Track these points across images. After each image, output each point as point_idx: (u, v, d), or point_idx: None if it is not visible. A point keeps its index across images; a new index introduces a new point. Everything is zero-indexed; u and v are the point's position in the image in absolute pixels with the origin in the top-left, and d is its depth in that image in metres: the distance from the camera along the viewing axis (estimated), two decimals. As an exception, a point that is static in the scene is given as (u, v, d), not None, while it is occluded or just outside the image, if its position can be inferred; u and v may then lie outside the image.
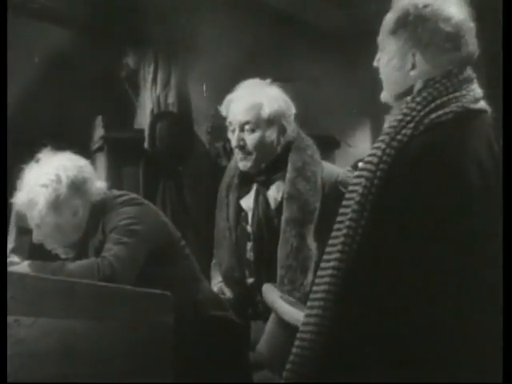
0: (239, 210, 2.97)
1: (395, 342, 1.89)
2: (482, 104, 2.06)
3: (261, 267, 2.89)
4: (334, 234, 2.03)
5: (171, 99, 4.97)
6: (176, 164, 4.93)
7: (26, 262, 2.54)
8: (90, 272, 2.48)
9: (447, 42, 2.04)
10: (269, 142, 2.91)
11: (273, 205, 2.91)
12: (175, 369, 2.30)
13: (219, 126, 5.04)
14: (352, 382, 1.92)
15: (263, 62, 4.77)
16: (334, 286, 1.96)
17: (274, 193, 2.92)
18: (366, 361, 1.91)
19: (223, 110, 2.98)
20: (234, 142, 2.95)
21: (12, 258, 2.60)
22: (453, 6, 2.07)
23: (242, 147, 2.91)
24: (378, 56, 2.16)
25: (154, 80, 4.98)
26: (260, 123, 2.89)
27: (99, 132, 4.79)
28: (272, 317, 2.69)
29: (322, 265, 2.02)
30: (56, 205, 2.67)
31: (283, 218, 2.84)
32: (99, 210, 2.72)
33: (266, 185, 2.94)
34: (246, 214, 2.95)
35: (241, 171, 2.99)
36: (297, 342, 2.02)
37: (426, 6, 2.06)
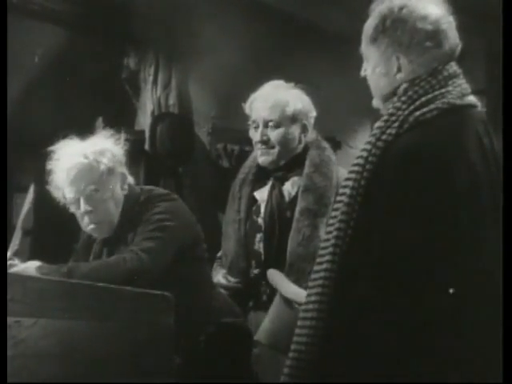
0: (252, 202, 3.03)
1: (393, 341, 1.88)
2: (470, 99, 2.06)
3: (269, 257, 2.92)
4: (325, 236, 2.04)
5: (172, 100, 4.98)
6: (176, 165, 4.93)
7: (34, 266, 2.48)
8: (115, 267, 2.47)
9: (428, 40, 2.04)
10: (291, 139, 2.99)
11: (287, 198, 2.97)
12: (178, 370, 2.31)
13: (220, 128, 5.06)
14: (350, 382, 1.92)
15: (263, 63, 4.77)
16: (327, 290, 1.97)
17: (289, 187, 2.99)
18: (364, 361, 1.91)
19: (247, 108, 3.05)
20: (257, 138, 3.01)
21: (12, 261, 2.58)
22: (428, 3, 2.07)
23: (265, 142, 2.99)
24: (363, 66, 2.16)
25: (155, 81, 4.98)
26: (284, 120, 2.98)
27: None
28: (276, 300, 2.75)
29: (313, 275, 2.03)
30: (113, 172, 2.72)
31: (297, 208, 2.90)
32: (135, 199, 2.74)
33: (281, 180, 3.01)
34: (259, 207, 3.00)
35: (257, 169, 3.06)
36: (293, 346, 2.02)
37: (401, 8, 2.06)
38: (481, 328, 1.88)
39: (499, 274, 1.88)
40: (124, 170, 2.78)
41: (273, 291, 2.85)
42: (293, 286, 2.73)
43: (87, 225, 2.73)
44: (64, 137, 2.77)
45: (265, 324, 2.75)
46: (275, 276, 2.83)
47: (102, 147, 2.73)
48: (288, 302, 2.69)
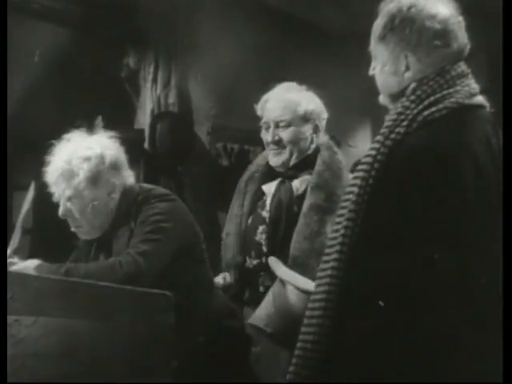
0: (258, 197, 3.03)
1: (395, 341, 1.88)
2: (479, 99, 2.06)
3: (272, 249, 2.92)
4: (332, 235, 2.03)
5: (171, 99, 4.98)
6: (176, 164, 4.92)
7: (33, 265, 2.46)
8: (111, 271, 2.44)
9: (436, 40, 2.04)
10: (303, 138, 3.01)
11: (295, 193, 2.98)
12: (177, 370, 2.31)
13: (219, 126, 5.06)
14: (354, 382, 1.92)
15: (263, 62, 4.77)
16: (333, 288, 1.98)
17: (298, 184, 2.99)
18: (367, 361, 1.91)
19: (258, 109, 3.06)
20: (268, 138, 3.02)
21: (12, 259, 2.58)
22: (437, 2, 2.07)
23: (277, 142, 3.00)
24: (372, 65, 2.16)
25: (155, 80, 4.99)
26: (295, 120, 2.99)
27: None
28: (275, 285, 2.77)
29: (319, 274, 2.04)
30: (96, 180, 2.66)
31: (306, 203, 2.91)
32: (132, 198, 2.69)
33: (291, 178, 3.01)
34: (264, 201, 3.00)
35: (266, 168, 3.07)
36: (299, 344, 2.02)
37: (410, 8, 2.06)
38: (481, 328, 1.88)
39: (499, 275, 1.88)
40: (115, 175, 2.71)
41: (271, 282, 2.85)
42: (292, 273, 2.76)
43: (71, 226, 2.73)
44: (78, 126, 2.75)
45: (261, 308, 2.76)
46: (276, 264, 2.84)
47: (90, 153, 2.66)
48: (285, 286, 2.71)
